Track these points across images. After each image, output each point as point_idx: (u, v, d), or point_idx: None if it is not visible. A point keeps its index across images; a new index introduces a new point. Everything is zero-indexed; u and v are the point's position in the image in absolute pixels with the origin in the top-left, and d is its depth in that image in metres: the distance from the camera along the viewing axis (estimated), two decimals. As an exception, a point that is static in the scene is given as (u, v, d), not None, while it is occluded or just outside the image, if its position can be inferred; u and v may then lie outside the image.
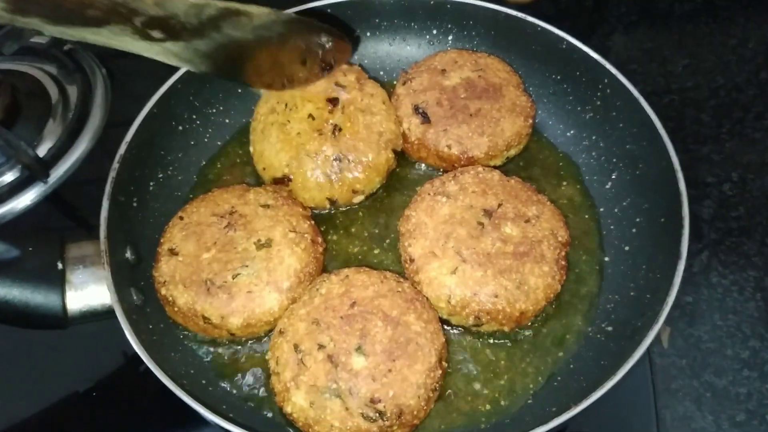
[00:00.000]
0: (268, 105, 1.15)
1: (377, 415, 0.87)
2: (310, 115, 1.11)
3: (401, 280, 0.99)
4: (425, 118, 1.16)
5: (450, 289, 0.98)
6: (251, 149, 1.16)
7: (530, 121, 1.17)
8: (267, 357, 0.98)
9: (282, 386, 0.92)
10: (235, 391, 0.98)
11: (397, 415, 0.87)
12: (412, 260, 1.01)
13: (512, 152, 1.18)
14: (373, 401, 0.87)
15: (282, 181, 1.11)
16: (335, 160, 1.09)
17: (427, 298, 0.98)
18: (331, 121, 1.11)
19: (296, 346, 0.92)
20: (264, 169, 1.13)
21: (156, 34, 0.90)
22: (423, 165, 1.21)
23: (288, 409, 0.91)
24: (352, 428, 0.87)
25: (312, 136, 1.09)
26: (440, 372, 0.92)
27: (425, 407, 0.91)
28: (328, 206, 1.14)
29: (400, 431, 0.90)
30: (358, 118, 1.11)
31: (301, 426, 0.91)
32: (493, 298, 0.97)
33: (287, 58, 1.08)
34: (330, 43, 1.08)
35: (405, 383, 0.88)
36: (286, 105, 1.13)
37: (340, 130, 1.10)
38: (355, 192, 1.12)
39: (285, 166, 1.10)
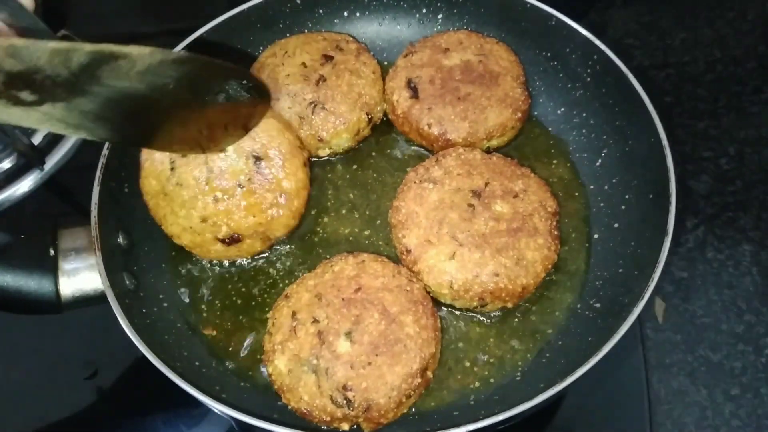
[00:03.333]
0: (272, 50, 1.23)
1: (345, 402, 0.88)
2: (303, 64, 1.18)
3: (414, 280, 0.99)
4: (414, 93, 1.16)
5: (451, 275, 0.98)
6: None
7: (519, 114, 1.15)
8: (267, 316, 1.00)
9: (270, 347, 0.94)
10: (228, 372, 1.00)
11: (364, 408, 0.88)
12: (408, 251, 1.01)
13: (494, 143, 1.16)
14: (345, 388, 0.88)
15: None
16: (311, 103, 1.14)
17: (432, 305, 0.98)
18: (319, 72, 1.17)
19: (294, 314, 0.94)
20: None
21: (26, 95, 0.72)
22: (413, 145, 1.21)
23: (269, 369, 0.94)
24: (318, 406, 0.89)
25: (297, 80, 1.16)
26: (420, 381, 0.91)
27: (395, 410, 0.90)
28: None
29: (366, 425, 0.91)
30: (345, 76, 1.17)
31: (277, 389, 0.93)
32: (494, 278, 0.97)
33: (196, 111, 0.89)
34: (245, 89, 0.91)
35: (380, 381, 0.88)
36: (286, 53, 1.20)
37: (324, 80, 1.16)
38: (321, 141, 1.15)
39: None
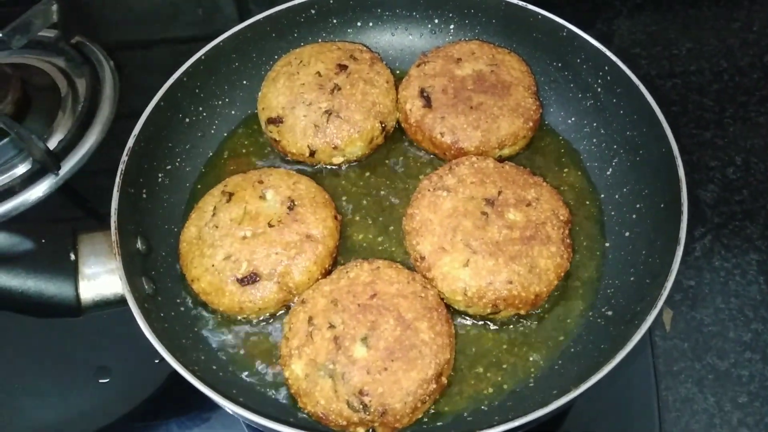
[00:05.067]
0: (287, 59, 1.25)
1: (361, 406, 0.89)
2: (318, 72, 1.20)
3: (428, 286, 1.00)
4: (427, 103, 1.17)
5: (465, 282, 0.99)
6: (259, 94, 1.24)
7: (530, 124, 1.16)
8: (284, 321, 1.01)
9: (287, 351, 0.95)
10: (244, 376, 1.01)
11: (380, 413, 0.89)
12: (422, 258, 1.02)
13: (506, 151, 1.18)
14: (361, 393, 0.89)
15: (273, 121, 1.18)
16: (326, 112, 1.16)
17: (446, 311, 0.99)
18: (334, 81, 1.19)
19: (310, 319, 0.95)
20: (263, 108, 1.22)
21: None
22: (426, 153, 1.22)
23: (286, 373, 0.95)
24: (334, 411, 0.90)
25: (313, 89, 1.18)
26: (435, 386, 0.92)
27: (410, 415, 0.91)
28: (307, 154, 1.18)
29: (381, 430, 0.91)
30: (359, 84, 1.19)
31: (293, 393, 0.95)
32: (508, 285, 0.98)
33: None
34: None
35: (395, 386, 0.89)
36: (301, 62, 1.22)
37: (339, 89, 1.18)
38: (335, 148, 1.17)
39: (281, 108, 1.18)
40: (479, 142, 1.14)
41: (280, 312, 1.06)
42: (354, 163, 1.22)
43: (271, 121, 1.19)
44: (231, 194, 1.09)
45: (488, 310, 1.01)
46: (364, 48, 1.27)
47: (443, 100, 1.17)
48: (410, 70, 1.24)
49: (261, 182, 1.10)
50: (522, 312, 1.03)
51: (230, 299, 1.01)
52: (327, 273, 1.05)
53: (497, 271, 0.99)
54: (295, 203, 1.07)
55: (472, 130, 1.14)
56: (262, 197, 1.08)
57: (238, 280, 1.01)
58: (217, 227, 1.05)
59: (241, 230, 1.04)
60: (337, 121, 1.16)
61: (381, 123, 1.19)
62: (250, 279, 1.01)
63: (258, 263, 1.02)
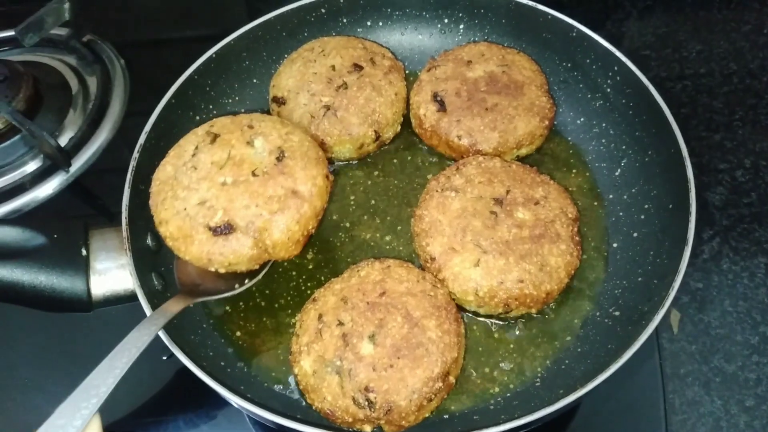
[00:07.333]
0: (311, 45, 1.27)
1: (367, 403, 0.89)
2: (333, 66, 1.20)
3: (438, 285, 1.00)
4: (441, 107, 1.17)
5: (476, 282, 0.99)
6: (277, 70, 1.26)
7: (546, 122, 1.17)
8: (294, 320, 1.02)
9: (297, 348, 0.96)
10: (253, 372, 1.01)
11: (385, 410, 0.89)
12: (433, 259, 1.02)
13: (523, 151, 1.18)
14: (367, 389, 0.89)
15: (277, 101, 1.21)
16: (324, 107, 1.17)
17: (456, 310, 0.98)
18: (344, 78, 1.19)
19: (320, 316, 0.96)
20: (273, 86, 1.24)
21: None
22: (434, 152, 1.22)
23: (296, 370, 0.95)
24: (341, 407, 0.90)
25: (321, 81, 1.19)
26: (441, 385, 0.91)
27: (416, 413, 0.91)
28: None
29: (387, 428, 0.91)
30: (366, 89, 1.18)
31: (302, 389, 0.95)
32: (519, 284, 0.98)
33: None
34: None
35: (401, 383, 0.89)
36: (322, 51, 1.23)
37: (345, 88, 1.18)
38: (322, 144, 1.17)
39: (287, 91, 1.20)
40: (497, 143, 1.14)
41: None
42: (362, 162, 1.22)
43: (275, 99, 1.21)
44: (216, 135, 0.98)
45: (500, 310, 1.01)
46: (390, 55, 1.26)
47: (457, 103, 1.17)
48: (421, 75, 1.23)
49: (251, 127, 0.99)
50: (533, 311, 1.03)
51: (199, 248, 0.91)
52: (308, 236, 0.97)
53: (508, 270, 0.99)
54: (285, 155, 0.96)
55: (490, 131, 1.14)
56: (250, 143, 0.97)
57: (210, 228, 0.91)
58: (195, 168, 0.95)
59: (222, 175, 0.93)
60: (332, 119, 1.16)
61: (375, 132, 1.18)
62: (224, 229, 0.91)
63: (235, 213, 0.91)
